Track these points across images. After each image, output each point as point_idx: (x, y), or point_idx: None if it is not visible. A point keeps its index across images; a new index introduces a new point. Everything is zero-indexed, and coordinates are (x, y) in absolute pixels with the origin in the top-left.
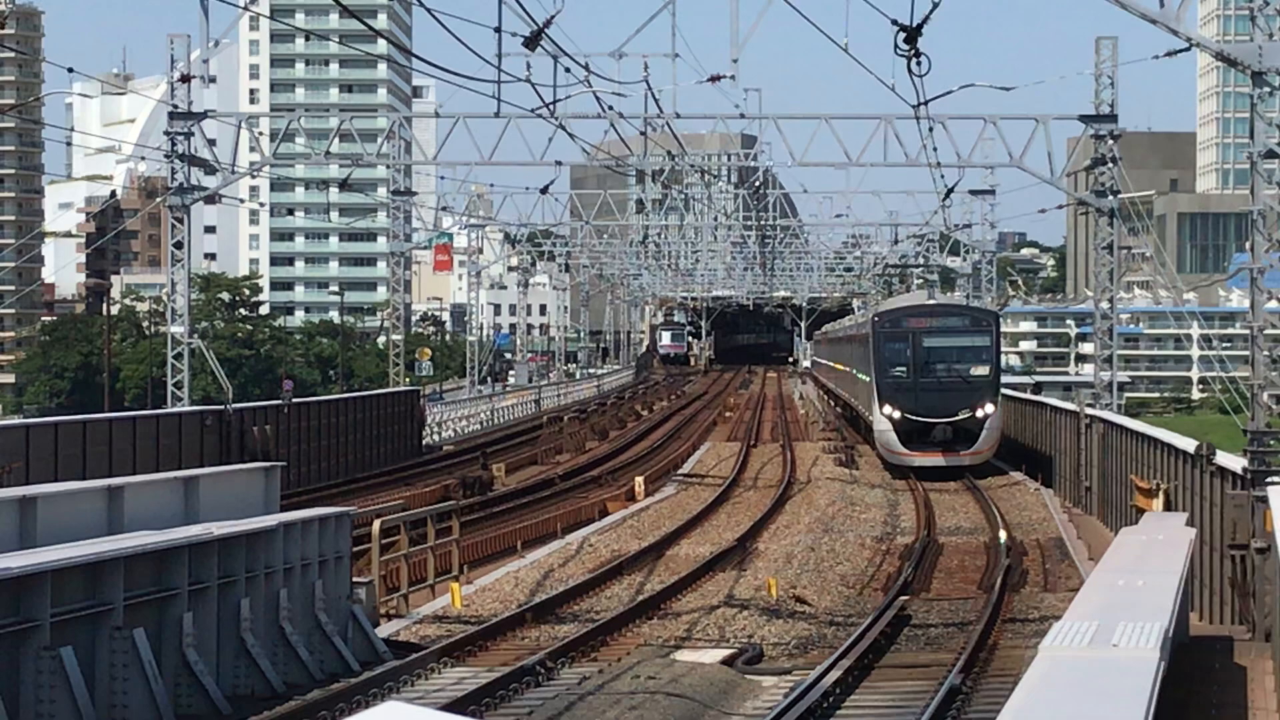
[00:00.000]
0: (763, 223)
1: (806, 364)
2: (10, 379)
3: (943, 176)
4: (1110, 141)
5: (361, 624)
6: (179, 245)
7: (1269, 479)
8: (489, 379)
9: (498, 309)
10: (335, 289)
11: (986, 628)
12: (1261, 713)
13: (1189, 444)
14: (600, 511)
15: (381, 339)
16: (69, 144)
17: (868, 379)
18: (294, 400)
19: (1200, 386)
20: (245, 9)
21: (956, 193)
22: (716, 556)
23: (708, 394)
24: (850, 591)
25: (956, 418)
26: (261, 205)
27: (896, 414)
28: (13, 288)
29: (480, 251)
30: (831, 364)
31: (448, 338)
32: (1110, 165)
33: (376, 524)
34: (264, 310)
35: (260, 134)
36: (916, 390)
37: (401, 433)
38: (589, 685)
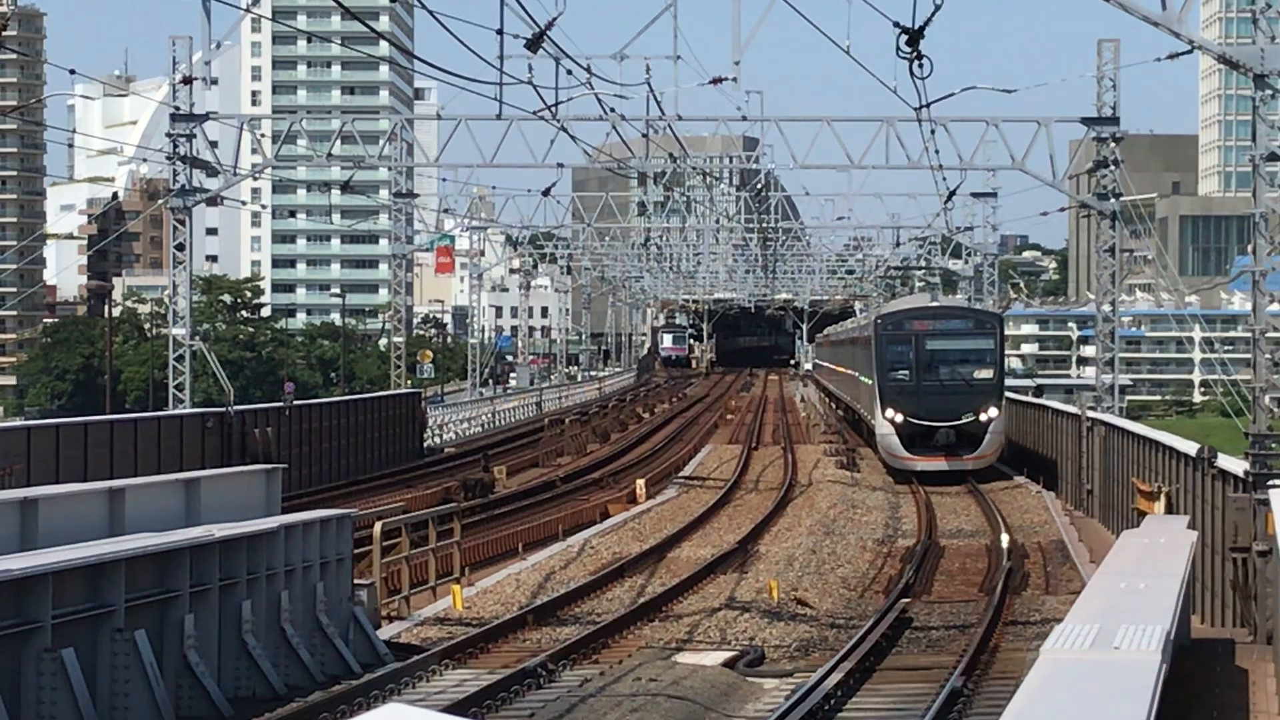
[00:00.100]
0: (764, 225)
1: (808, 366)
2: (12, 381)
3: (944, 179)
4: (1112, 144)
5: (363, 626)
6: (181, 247)
7: (1270, 482)
8: (490, 381)
9: (499, 311)
10: (337, 291)
11: (988, 630)
12: (1263, 716)
13: (1190, 447)
14: (602, 514)
15: (383, 341)
16: (71, 146)
17: (870, 382)
18: (295, 402)
19: (1202, 389)
20: (247, 11)
21: (958, 195)
22: (718, 559)
23: (709, 396)
24: (851, 594)
25: (960, 421)
26: (263, 207)
27: (899, 417)
28: (14, 289)
29: (482, 254)
30: (833, 367)
31: (449, 340)
32: (1112, 168)
33: (378, 526)
34: (265, 312)
35: (262, 136)
36: (919, 393)
37: (403, 435)
38: (590, 687)
